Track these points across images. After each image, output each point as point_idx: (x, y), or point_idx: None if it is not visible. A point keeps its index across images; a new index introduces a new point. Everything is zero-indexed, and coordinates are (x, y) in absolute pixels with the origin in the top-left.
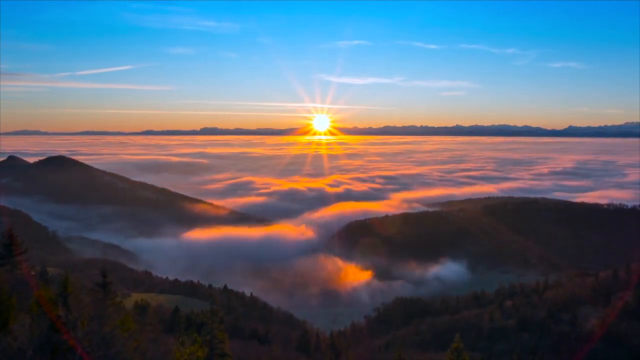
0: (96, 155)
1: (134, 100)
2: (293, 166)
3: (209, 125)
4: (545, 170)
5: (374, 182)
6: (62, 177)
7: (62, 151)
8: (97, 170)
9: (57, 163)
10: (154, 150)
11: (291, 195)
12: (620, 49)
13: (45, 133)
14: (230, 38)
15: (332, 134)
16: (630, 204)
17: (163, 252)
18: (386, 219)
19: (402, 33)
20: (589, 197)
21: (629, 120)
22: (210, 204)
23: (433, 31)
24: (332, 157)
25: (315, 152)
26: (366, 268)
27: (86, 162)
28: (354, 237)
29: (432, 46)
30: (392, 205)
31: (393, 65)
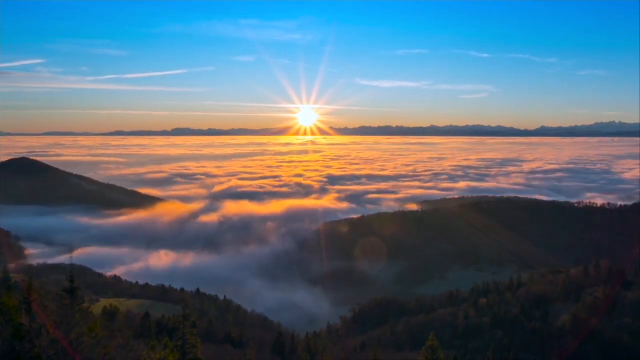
0: (55, 157)
1: (149, 102)
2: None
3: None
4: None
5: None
6: (24, 179)
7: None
8: (61, 171)
9: (20, 165)
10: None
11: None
12: (610, 52)
13: (9, 134)
14: (294, 47)
15: (313, 133)
16: (599, 203)
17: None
18: (361, 220)
19: (460, 42)
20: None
21: (599, 121)
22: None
23: (489, 41)
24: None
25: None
26: (341, 268)
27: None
28: (332, 236)
29: (485, 55)
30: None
31: (428, 70)
